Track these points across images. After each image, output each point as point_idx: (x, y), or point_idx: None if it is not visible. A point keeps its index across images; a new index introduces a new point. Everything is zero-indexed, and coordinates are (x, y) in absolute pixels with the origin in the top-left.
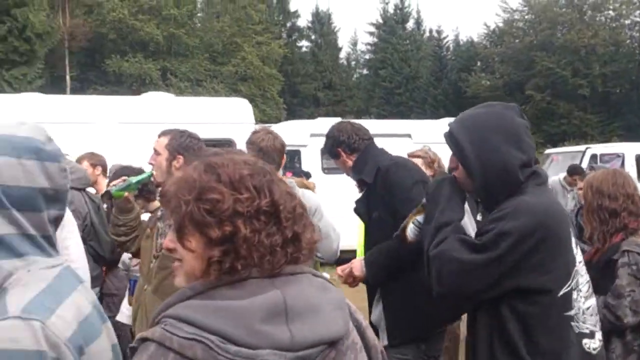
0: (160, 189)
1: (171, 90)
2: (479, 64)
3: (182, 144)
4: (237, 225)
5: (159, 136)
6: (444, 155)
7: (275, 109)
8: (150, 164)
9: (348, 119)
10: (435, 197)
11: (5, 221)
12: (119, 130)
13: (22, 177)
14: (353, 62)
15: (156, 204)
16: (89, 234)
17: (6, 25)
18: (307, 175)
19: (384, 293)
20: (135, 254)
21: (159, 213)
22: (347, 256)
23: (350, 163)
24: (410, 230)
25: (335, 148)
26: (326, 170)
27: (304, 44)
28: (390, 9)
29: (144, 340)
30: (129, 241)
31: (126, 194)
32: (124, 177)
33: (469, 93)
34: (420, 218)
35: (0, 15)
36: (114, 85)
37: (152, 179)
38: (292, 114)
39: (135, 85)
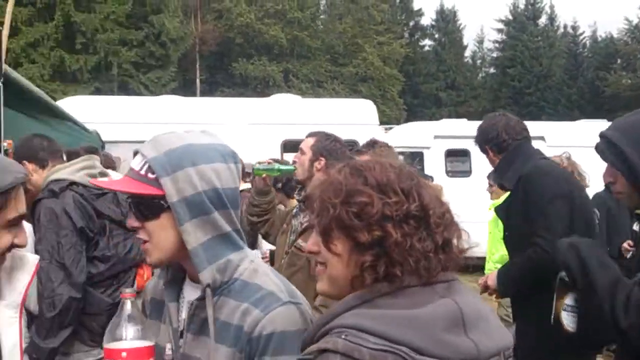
0: (299, 187)
1: (293, 91)
2: (619, 61)
3: (326, 146)
4: (387, 230)
5: (307, 136)
6: (583, 161)
7: (395, 109)
8: (294, 161)
9: (486, 118)
10: (577, 266)
11: (228, 219)
12: (249, 131)
13: (231, 180)
14: (479, 61)
15: (294, 202)
16: None
17: (144, 31)
18: (429, 179)
19: (518, 313)
20: (265, 236)
21: (294, 210)
22: (473, 263)
23: (495, 163)
24: (566, 319)
25: (483, 145)
26: (450, 173)
27: (427, 42)
28: (521, 5)
29: (323, 351)
30: (260, 222)
31: (264, 175)
32: (270, 160)
33: (607, 92)
34: (569, 301)
35: (138, 21)
36: (239, 87)
37: (294, 175)
38: (412, 115)
39: (259, 87)
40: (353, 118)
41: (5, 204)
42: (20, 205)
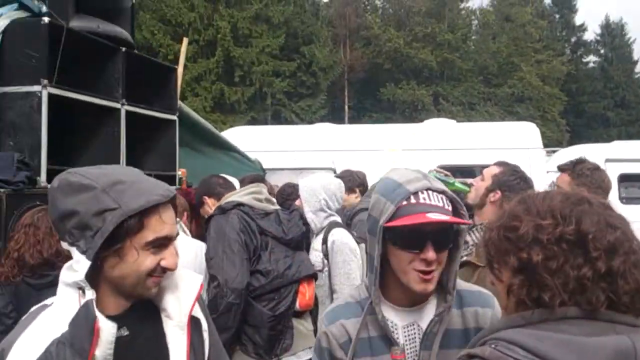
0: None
1: (443, 114)
2: None
3: (507, 181)
4: (533, 251)
5: (494, 164)
6: None
7: (556, 131)
8: (471, 184)
9: None
10: None
11: None
12: (402, 157)
13: None
14: None
15: None
16: None
17: (296, 62)
18: None
19: None
20: None
21: None
22: None
23: None
24: None
25: None
26: (625, 199)
27: (591, 59)
28: None
29: (472, 357)
30: None
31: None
32: (446, 172)
33: None
34: None
35: (291, 53)
36: (387, 112)
37: (465, 197)
38: (576, 137)
39: (407, 111)
40: (513, 142)
41: (140, 226)
42: (160, 228)
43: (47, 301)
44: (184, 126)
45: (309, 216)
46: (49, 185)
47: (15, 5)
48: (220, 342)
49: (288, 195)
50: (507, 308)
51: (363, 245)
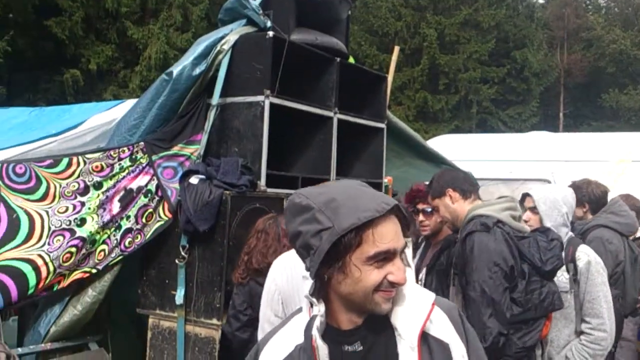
0: None
1: None
2: None
3: None
4: None
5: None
6: None
7: None
8: None
9: None
10: None
11: None
12: (632, 169)
13: None
14: None
15: None
16: (616, 282)
17: (506, 68)
18: None
19: None
20: None
21: None
22: None
23: None
24: None
25: None
26: None
27: None
28: None
29: None
30: None
31: None
32: None
33: None
34: None
35: (500, 58)
36: (609, 120)
37: None
38: None
39: (634, 119)
40: None
41: (359, 242)
42: (380, 242)
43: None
44: (391, 134)
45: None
46: (267, 190)
47: (244, 20)
48: None
49: None
50: None
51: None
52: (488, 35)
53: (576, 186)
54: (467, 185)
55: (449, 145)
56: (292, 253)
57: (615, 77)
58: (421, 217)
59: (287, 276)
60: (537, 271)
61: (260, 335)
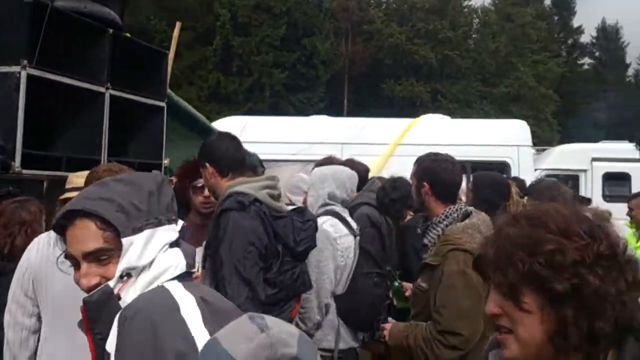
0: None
1: (440, 111)
2: None
3: (425, 169)
4: (583, 276)
5: (415, 162)
6: None
7: (548, 131)
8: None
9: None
10: None
11: None
12: (395, 151)
13: None
14: None
15: None
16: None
17: (296, 54)
18: (586, 201)
19: None
20: None
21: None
22: None
23: None
24: None
25: None
26: (608, 197)
27: (586, 61)
28: None
29: None
30: None
31: None
32: None
33: None
34: None
35: (291, 44)
36: (386, 108)
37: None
38: (567, 137)
39: (406, 107)
40: (505, 139)
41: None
42: (69, 244)
43: None
44: (174, 115)
45: (310, 201)
46: (24, 171)
47: None
48: None
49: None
50: (554, 343)
51: (358, 238)
52: (280, 20)
53: (342, 164)
54: (226, 162)
55: (235, 127)
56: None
57: (392, 68)
58: (206, 193)
59: (42, 256)
60: (291, 252)
61: (7, 317)
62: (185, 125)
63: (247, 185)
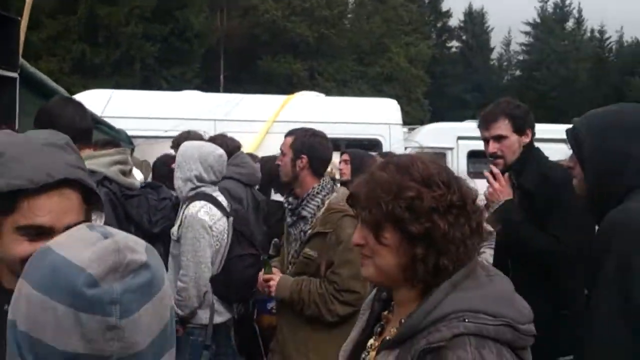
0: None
1: (317, 89)
2: None
3: (305, 143)
4: (435, 221)
5: (285, 136)
6: None
7: (419, 110)
8: (277, 164)
9: None
10: None
11: None
12: (271, 128)
13: None
14: (505, 64)
15: None
16: None
17: (168, 27)
18: None
19: None
20: None
21: (287, 220)
22: None
23: None
24: None
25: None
26: (472, 174)
27: (454, 44)
28: (550, 8)
29: (456, 336)
30: None
31: None
32: None
33: (632, 97)
34: None
35: (162, 16)
36: (263, 85)
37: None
38: (437, 117)
39: (283, 84)
40: (377, 117)
41: (12, 208)
42: (33, 215)
43: None
44: (31, 87)
45: (178, 183)
46: None
47: None
48: None
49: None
50: (405, 273)
51: (232, 219)
52: None
53: (211, 139)
54: (70, 132)
55: (98, 101)
56: None
57: (270, 45)
58: None
59: None
60: (144, 233)
61: None
62: (41, 97)
63: (95, 161)
